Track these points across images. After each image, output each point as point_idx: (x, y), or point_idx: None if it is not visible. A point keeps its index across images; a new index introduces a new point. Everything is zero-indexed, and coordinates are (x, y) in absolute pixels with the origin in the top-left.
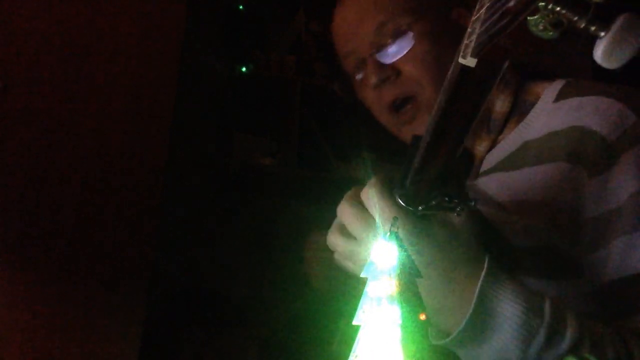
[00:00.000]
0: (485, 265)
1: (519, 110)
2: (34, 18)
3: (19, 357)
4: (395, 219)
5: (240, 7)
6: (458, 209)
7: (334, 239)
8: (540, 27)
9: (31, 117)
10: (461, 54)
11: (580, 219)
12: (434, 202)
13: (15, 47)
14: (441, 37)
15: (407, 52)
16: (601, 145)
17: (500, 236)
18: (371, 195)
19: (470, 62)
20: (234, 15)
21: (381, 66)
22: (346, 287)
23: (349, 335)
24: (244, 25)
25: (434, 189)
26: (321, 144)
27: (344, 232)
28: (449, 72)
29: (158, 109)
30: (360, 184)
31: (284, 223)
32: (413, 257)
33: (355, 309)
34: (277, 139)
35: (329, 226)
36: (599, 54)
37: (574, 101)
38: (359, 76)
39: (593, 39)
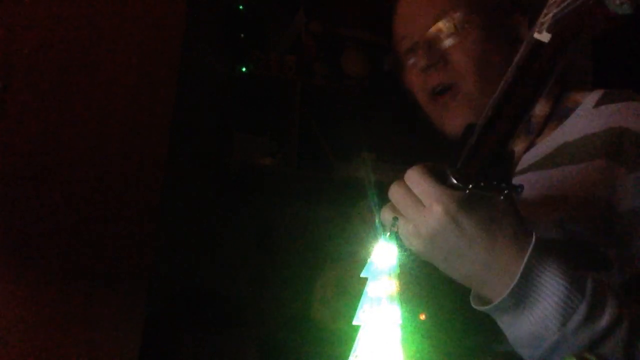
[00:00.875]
0: (533, 240)
1: (557, 115)
2: (34, 18)
3: (19, 357)
4: (395, 219)
5: (240, 7)
6: (506, 193)
7: (386, 218)
8: (617, 2)
9: (31, 117)
10: (536, 29)
11: (615, 213)
12: (482, 184)
13: (15, 47)
14: (494, 37)
15: (458, 44)
16: (638, 144)
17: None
18: (414, 177)
19: (545, 37)
20: (234, 15)
21: (432, 52)
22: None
23: (350, 335)
24: (244, 25)
25: (484, 171)
26: (321, 144)
27: (396, 210)
28: (521, 49)
29: (158, 109)
30: (360, 184)
31: (284, 223)
32: (457, 232)
33: (355, 309)
34: (277, 139)
35: (329, 226)
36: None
37: (614, 106)
38: (409, 59)
39: None
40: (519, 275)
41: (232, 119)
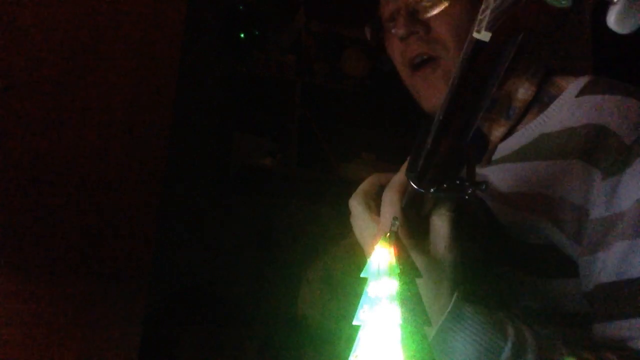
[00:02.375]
0: (451, 304)
1: (540, 101)
2: (34, 18)
3: (19, 356)
4: (395, 218)
5: (240, 7)
6: (469, 192)
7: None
8: None
9: (31, 117)
10: (475, 28)
11: (586, 219)
12: (445, 185)
13: (16, 47)
14: (478, 7)
15: (441, 12)
16: (617, 147)
17: (504, 230)
18: (386, 200)
19: (485, 36)
20: (234, 15)
21: (413, 19)
22: (340, 321)
23: (352, 335)
24: (244, 25)
25: (445, 171)
26: (321, 144)
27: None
28: (464, 48)
29: (158, 109)
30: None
31: (284, 223)
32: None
33: (355, 309)
34: (277, 139)
35: (329, 226)
36: (612, 19)
37: (596, 98)
38: (391, 27)
39: (606, 6)
40: (434, 333)
41: (232, 119)
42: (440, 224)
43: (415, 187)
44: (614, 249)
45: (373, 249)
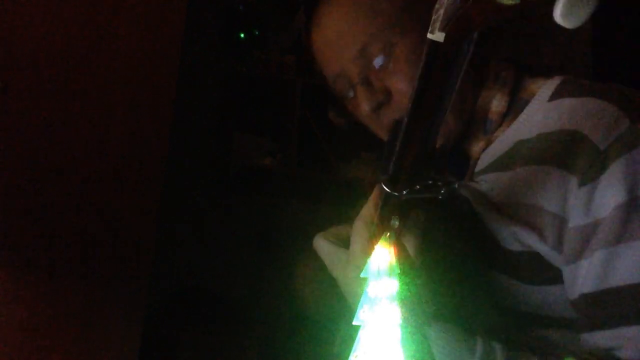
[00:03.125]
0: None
1: (514, 108)
2: (34, 18)
3: (19, 356)
4: (395, 218)
5: (240, 7)
6: (442, 191)
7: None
8: None
9: (31, 117)
10: (430, 29)
11: (565, 228)
12: (417, 186)
13: (16, 47)
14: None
15: (396, 72)
16: (591, 153)
17: (490, 238)
18: (354, 226)
19: (439, 36)
20: (234, 15)
21: (371, 91)
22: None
23: (350, 335)
24: (244, 25)
25: (416, 173)
26: (321, 144)
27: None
28: (423, 51)
29: (158, 109)
30: (360, 184)
31: (284, 223)
32: None
33: (355, 309)
34: (277, 139)
35: (329, 226)
36: (558, 13)
37: (569, 102)
38: (351, 96)
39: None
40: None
41: (232, 119)
42: (408, 238)
43: (388, 190)
44: (594, 257)
45: (348, 281)
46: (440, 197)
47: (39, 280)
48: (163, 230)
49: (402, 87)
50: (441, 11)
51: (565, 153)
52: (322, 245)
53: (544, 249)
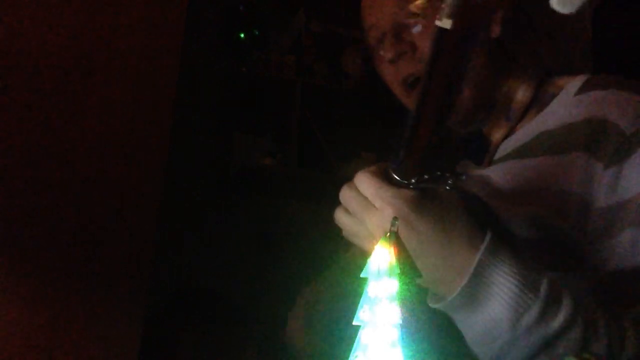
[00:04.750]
0: (487, 237)
1: (539, 101)
2: (33, 18)
3: (19, 357)
4: (395, 218)
5: (240, 7)
6: (450, 182)
7: (339, 219)
8: None
9: (31, 117)
10: (438, 16)
11: (590, 209)
12: (426, 176)
13: (16, 47)
14: None
15: (426, 30)
16: (618, 137)
17: (502, 227)
18: (363, 180)
19: (446, 23)
20: (234, 15)
21: (399, 41)
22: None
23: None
24: (244, 25)
25: (425, 162)
26: (321, 144)
27: (347, 213)
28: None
29: (158, 109)
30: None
31: (284, 223)
32: (409, 233)
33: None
34: (277, 139)
35: (328, 226)
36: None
37: (595, 94)
38: (379, 50)
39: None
40: (470, 273)
41: (232, 119)
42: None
43: (397, 178)
44: (622, 237)
45: (373, 242)
46: (447, 187)
47: (39, 280)
48: (163, 230)
49: (427, 44)
50: (449, 0)
51: (590, 139)
52: (341, 219)
53: (565, 229)
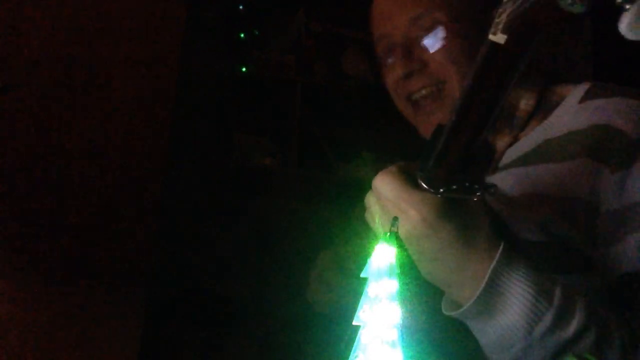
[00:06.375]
0: (501, 247)
1: (543, 109)
2: (34, 19)
3: (19, 357)
4: (395, 219)
5: (240, 7)
6: (478, 194)
7: (368, 201)
8: (569, 1)
9: (31, 117)
10: (492, 30)
11: (598, 213)
12: (454, 187)
13: (15, 47)
14: (474, 39)
15: (437, 46)
16: (624, 142)
17: (510, 233)
18: (386, 182)
19: (500, 38)
20: (234, 15)
21: (409, 57)
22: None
23: (350, 335)
24: (244, 25)
25: (455, 173)
26: (321, 144)
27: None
28: (480, 51)
29: (158, 110)
30: (360, 184)
31: (284, 223)
32: (431, 237)
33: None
34: (277, 139)
35: (329, 226)
36: (624, 25)
37: (599, 102)
38: (387, 60)
39: (618, 12)
40: (485, 282)
41: (232, 119)
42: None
43: (425, 187)
44: (631, 240)
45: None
46: (475, 199)
47: (40, 281)
48: (163, 231)
49: (437, 62)
50: (504, 15)
51: (596, 145)
52: (370, 201)
53: (573, 234)
